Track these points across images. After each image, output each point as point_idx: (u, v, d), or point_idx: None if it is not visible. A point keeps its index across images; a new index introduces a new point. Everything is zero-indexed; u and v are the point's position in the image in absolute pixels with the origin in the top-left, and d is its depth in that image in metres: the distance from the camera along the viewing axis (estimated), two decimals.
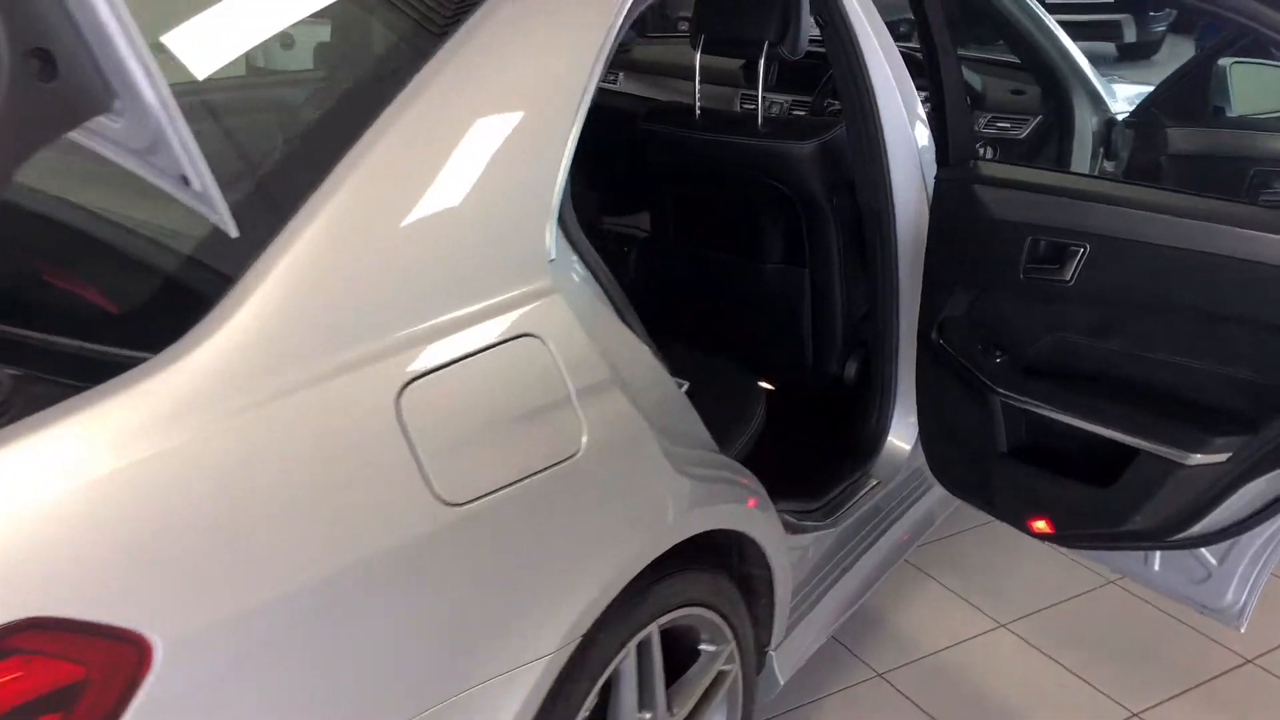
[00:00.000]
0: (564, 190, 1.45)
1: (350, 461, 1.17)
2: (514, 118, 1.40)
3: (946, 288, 2.15)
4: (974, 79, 3.23)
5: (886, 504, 2.49)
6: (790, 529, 2.15)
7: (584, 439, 1.40)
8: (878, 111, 2.23)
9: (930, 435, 2.31)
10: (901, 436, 2.49)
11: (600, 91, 1.52)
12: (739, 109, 3.48)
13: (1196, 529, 1.86)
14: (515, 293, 1.37)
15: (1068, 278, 1.91)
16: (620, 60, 3.82)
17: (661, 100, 3.21)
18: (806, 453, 2.55)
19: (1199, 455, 1.74)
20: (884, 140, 2.25)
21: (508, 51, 1.42)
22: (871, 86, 2.21)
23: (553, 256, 1.43)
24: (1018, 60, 3.19)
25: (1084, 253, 1.88)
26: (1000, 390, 2.05)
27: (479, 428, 1.29)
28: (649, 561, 1.51)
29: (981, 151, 3.15)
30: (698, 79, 2.49)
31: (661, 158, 2.61)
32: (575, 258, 1.54)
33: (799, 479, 2.41)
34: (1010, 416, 2.08)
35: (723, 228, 2.67)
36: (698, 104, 2.51)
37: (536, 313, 1.38)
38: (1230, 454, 1.74)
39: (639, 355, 1.60)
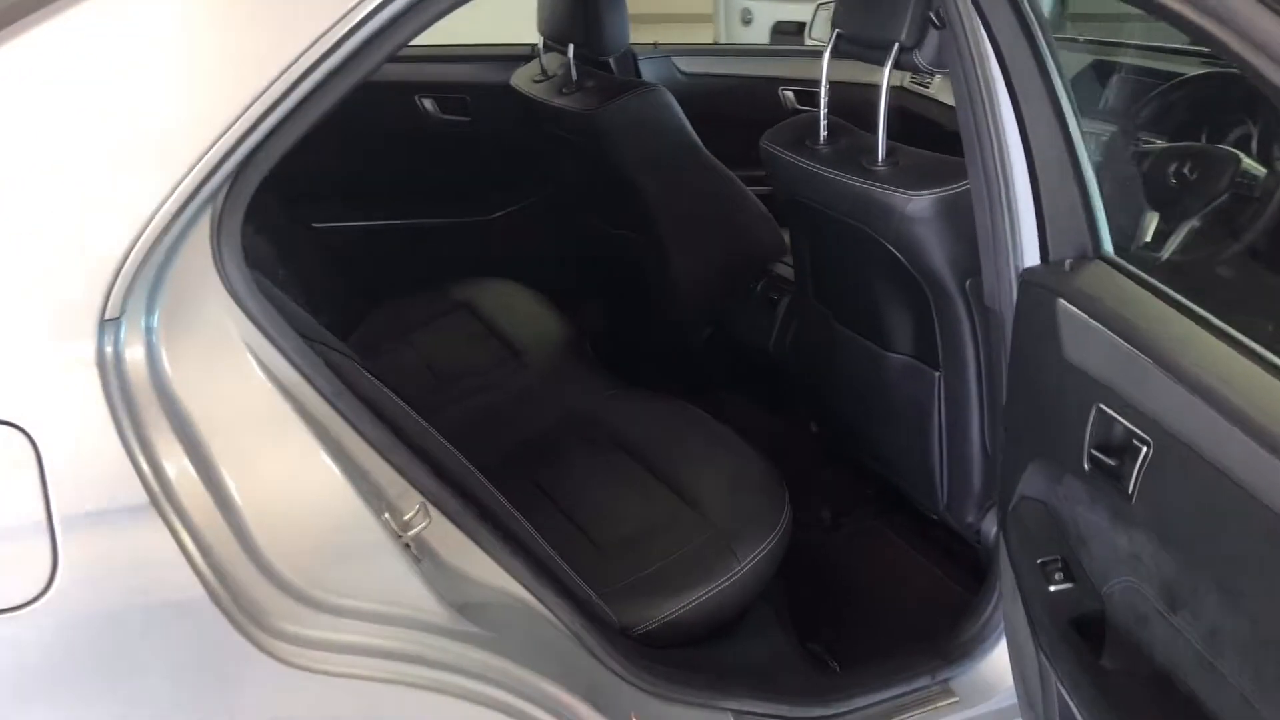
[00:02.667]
0: (182, 222, 1.02)
1: None
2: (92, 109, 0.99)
3: (1023, 450, 1.37)
4: None
5: None
6: None
7: (52, 584, 0.98)
8: (1005, 165, 1.43)
9: (1012, 661, 1.52)
10: None
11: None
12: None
13: None
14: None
15: (1129, 488, 1.09)
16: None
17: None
18: (870, 626, 1.84)
19: None
20: (1014, 209, 1.45)
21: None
22: (999, 126, 1.42)
23: (114, 315, 1.01)
24: None
25: (1147, 454, 1.05)
26: (1042, 644, 1.25)
27: None
28: None
29: None
30: (824, 89, 1.82)
31: (781, 189, 1.97)
32: (238, 316, 1.10)
33: (832, 660, 1.74)
34: (1062, 684, 1.26)
35: (845, 295, 1.97)
36: (823, 122, 1.84)
37: (33, 395, 0.98)
38: None
39: (300, 477, 1.12)
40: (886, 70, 1.64)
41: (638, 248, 2.41)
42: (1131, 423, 1.07)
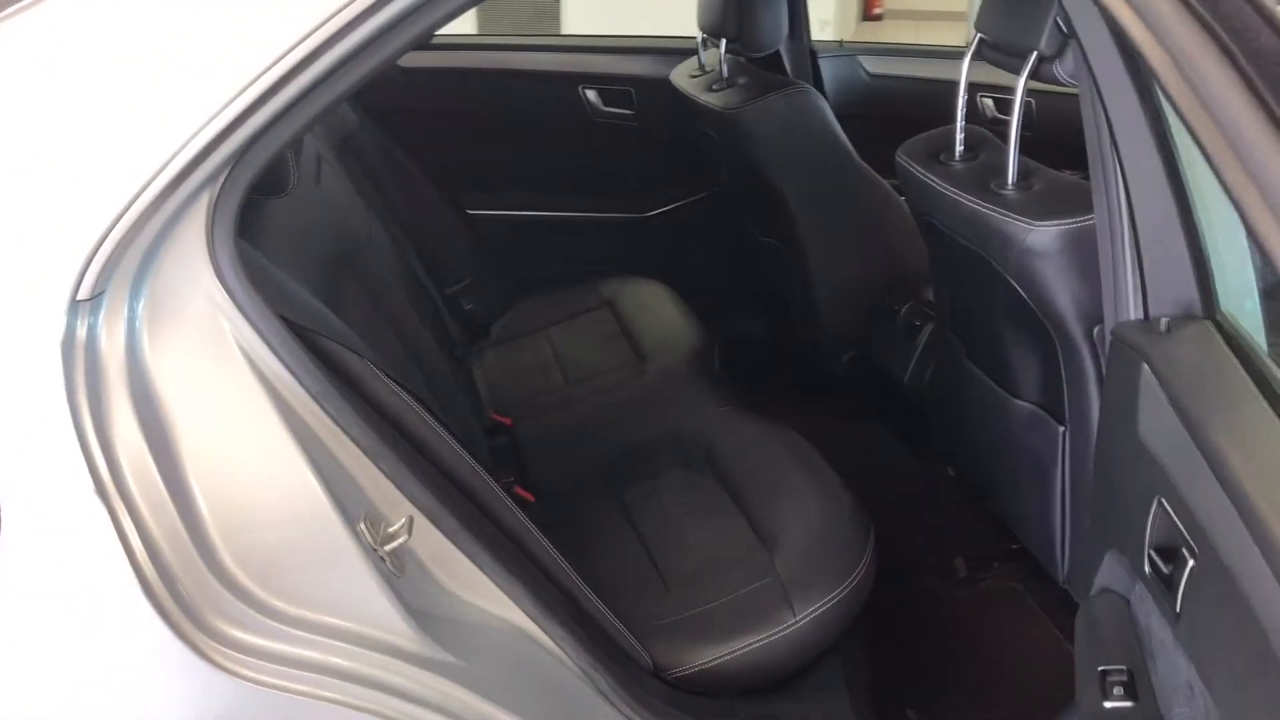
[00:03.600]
0: (174, 204, 1.00)
1: None
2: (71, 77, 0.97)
3: (1101, 535, 1.16)
4: None
5: None
6: None
7: None
8: (1132, 199, 1.22)
9: None
10: None
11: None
12: None
13: None
14: None
15: (1175, 604, 0.89)
16: None
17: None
18: (979, 698, 1.67)
19: None
20: (1140, 250, 1.23)
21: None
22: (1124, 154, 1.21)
23: (88, 295, 0.99)
24: None
25: (1193, 569, 0.85)
26: None
27: None
28: None
29: None
30: (962, 97, 1.63)
31: (914, 208, 1.79)
32: (228, 306, 1.07)
33: None
34: None
35: (975, 329, 1.76)
36: (959, 135, 1.65)
37: None
38: None
39: (270, 476, 1.08)
40: (1021, 80, 1.44)
41: (784, 257, 2.27)
42: (1184, 527, 0.87)
